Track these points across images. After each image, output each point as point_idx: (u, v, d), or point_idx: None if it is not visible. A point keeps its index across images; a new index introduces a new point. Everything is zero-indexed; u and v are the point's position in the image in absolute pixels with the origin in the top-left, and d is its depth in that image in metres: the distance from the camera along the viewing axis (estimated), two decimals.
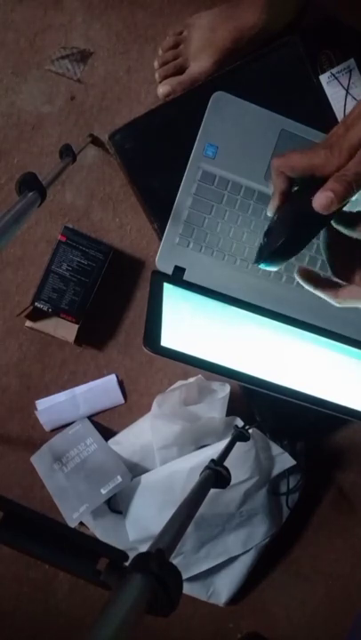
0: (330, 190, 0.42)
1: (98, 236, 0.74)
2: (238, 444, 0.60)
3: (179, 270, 0.67)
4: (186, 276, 0.67)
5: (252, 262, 0.54)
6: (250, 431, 0.63)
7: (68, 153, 0.64)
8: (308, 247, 0.68)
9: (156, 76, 0.73)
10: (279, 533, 0.75)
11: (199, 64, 0.70)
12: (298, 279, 0.51)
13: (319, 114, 0.68)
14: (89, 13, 0.74)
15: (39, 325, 0.72)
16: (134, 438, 0.74)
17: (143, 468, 0.73)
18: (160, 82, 0.72)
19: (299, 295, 0.69)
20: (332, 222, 0.47)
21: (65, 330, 0.72)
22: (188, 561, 0.71)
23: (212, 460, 0.51)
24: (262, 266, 0.52)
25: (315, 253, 0.69)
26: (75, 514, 0.69)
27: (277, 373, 0.54)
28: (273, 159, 0.49)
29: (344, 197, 0.42)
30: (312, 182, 0.45)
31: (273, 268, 0.53)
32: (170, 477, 0.68)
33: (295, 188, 0.49)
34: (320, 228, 0.47)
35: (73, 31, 0.74)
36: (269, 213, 0.51)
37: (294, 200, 0.49)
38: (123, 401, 0.77)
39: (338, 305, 0.51)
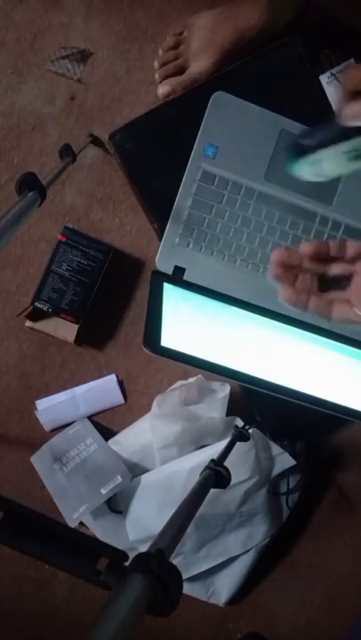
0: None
1: (98, 236, 0.74)
2: (238, 443, 0.60)
3: (179, 270, 0.67)
4: (186, 276, 0.67)
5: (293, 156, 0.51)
6: (250, 431, 0.63)
7: (68, 153, 0.64)
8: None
9: (157, 76, 0.73)
10: (279, 533, 0.75)
11: (199, 64, 0.70)
12: (272, 278, 0.49)
13: (319, 114, 0.68)
14: (89, 13, 0.74)
15: (39, 325, 0.72)
16: (134, 438, 0.74)
17: (143, 468, 0.73)
18: (160, 82, 0.72)
19: None
20: None
21: (65, 330, 0.72)
22: (188, 561, 0.71)
23: (212, 460, 0.51)
24: (291, 164, 0.50)
25: None
26: (75, 514, 0.69)
27: (277, 373, 0.54)
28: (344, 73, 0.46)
29: None
30: None
31: (297, 170, 0.50)
32: (170, 477, 0.68)
33: None
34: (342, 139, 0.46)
35: (73, 31, 0.74)
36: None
37: None
38: (123, 401, 0.77)
39: (328, 321, 0.49)
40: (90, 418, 0.76)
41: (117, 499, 0.71)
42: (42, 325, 0.72)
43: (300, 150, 0.49)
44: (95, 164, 0.74)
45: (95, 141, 0.73)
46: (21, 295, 0.74)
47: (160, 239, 0.67)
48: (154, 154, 0.68)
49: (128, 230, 0.75)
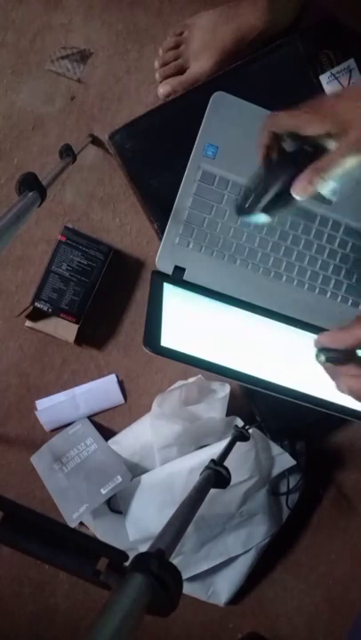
0: (307, 181, 0.51)
1: (98, 236, 0.74)
2: (238, 444, 0.60)
3: (179, 270, 0.67)
4: (186, 276, 0.67)
5: (236, 213, 0.62)
6: (250, 431, 0.63)
7: (68, 153, 0.64)
8: (308, 246, 0.68)
9: (157, 76, 0.73)
10: (279, 533, 0.75)
11: (200, 64, 0.70)
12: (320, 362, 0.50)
13: None
14: (89, 13, 0.74)
15: (39, 325, 0.72)
16: (134, 438, 0.74)
17: (143, 468, 0.73)
18: (160, 82, 0.72)
19: (299, 295, 0.69)
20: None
21: (65, 330, 0.72)
22: (188, 561, 0.71)
23: (213, 460, 0.51)
24: (247, 217, 0.58)
25: (315, 253, 0.68)
26: (75, 514, 0.69)
27: (278, 373, 0.54)
28: (264, 117, 0.55)
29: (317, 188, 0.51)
30: (298, 139, 0.53)
31: (255, 220, 0.58)
32: (170, 477, 0.68)
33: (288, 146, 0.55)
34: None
35: (73, 31, 0.74)
36: (260, 164, 0.57)
37: (283, 166, 0.55)
38: (123, 401, 0.77)
39: None
40: (90, 418, 0.76)
41: (117, 499, 0.71)
42: (42, 325, 0.72)
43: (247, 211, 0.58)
44: (95, 164, 0.74)
45: (95, 141, 0.73)
46: (21, 295, 0.74)
47: (160, 239, 0.67)
48: (154, 154, 0.68)
49: (128, 230, 0.75)
